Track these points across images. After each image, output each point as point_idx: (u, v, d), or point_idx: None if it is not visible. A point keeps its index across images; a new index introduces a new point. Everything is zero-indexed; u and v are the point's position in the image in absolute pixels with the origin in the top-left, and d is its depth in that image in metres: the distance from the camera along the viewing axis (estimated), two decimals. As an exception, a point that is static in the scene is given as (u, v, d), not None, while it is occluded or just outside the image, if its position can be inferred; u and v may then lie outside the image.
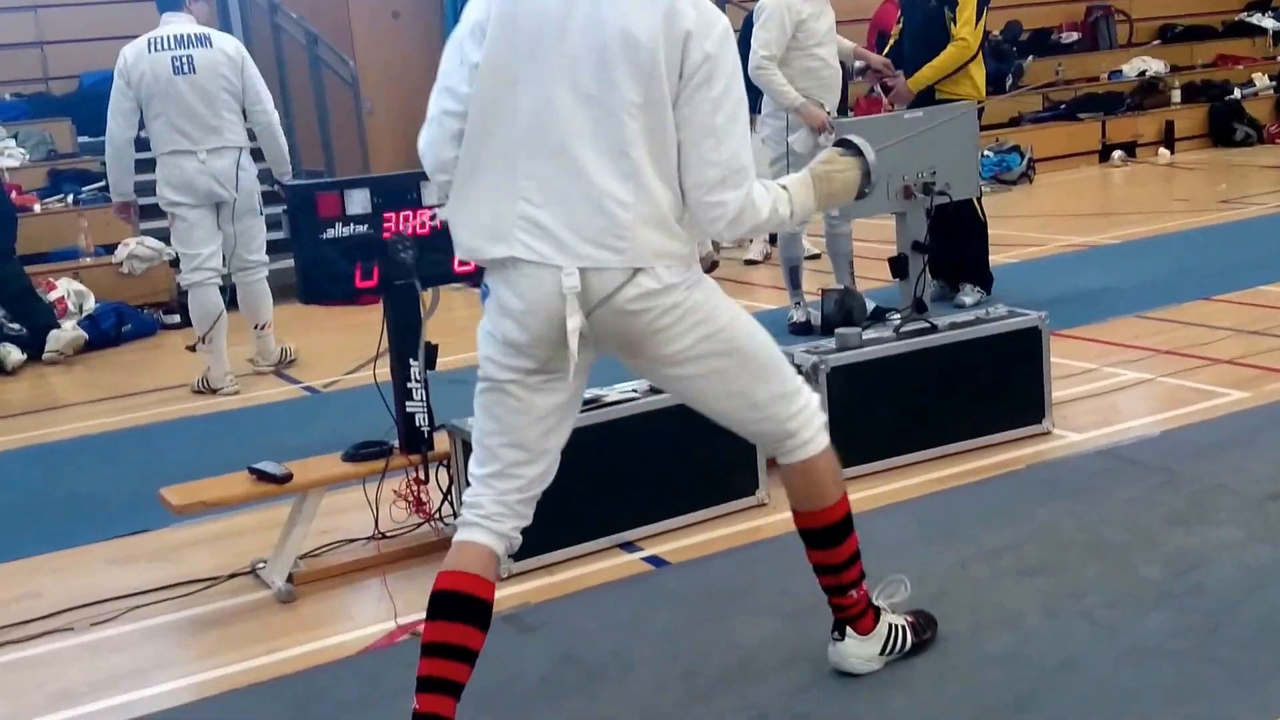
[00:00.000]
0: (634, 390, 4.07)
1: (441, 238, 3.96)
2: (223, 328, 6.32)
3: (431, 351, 4.03)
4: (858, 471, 4.38)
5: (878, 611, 3.02)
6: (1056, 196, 10.68)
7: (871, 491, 4.26)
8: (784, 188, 2.70)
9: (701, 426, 4.07)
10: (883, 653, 3.01)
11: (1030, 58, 13.48)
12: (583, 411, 3.88)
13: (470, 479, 2.73)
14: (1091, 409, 4.99)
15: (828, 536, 2.89)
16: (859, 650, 2.99)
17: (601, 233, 2.49)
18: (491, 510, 2.68)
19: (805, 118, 6.09)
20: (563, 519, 3.85)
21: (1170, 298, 6.63)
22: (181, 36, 6.11)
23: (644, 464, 4.01)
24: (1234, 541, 3.64)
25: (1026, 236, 8.52)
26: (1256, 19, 14.71)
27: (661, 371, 2.71)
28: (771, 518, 4.14)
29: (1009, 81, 13.15)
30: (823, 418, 2.87)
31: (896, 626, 3.05)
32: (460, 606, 2.60)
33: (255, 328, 6.66)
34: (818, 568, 2.94)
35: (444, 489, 4.07)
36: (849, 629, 2.98)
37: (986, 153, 11.46)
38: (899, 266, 5.38)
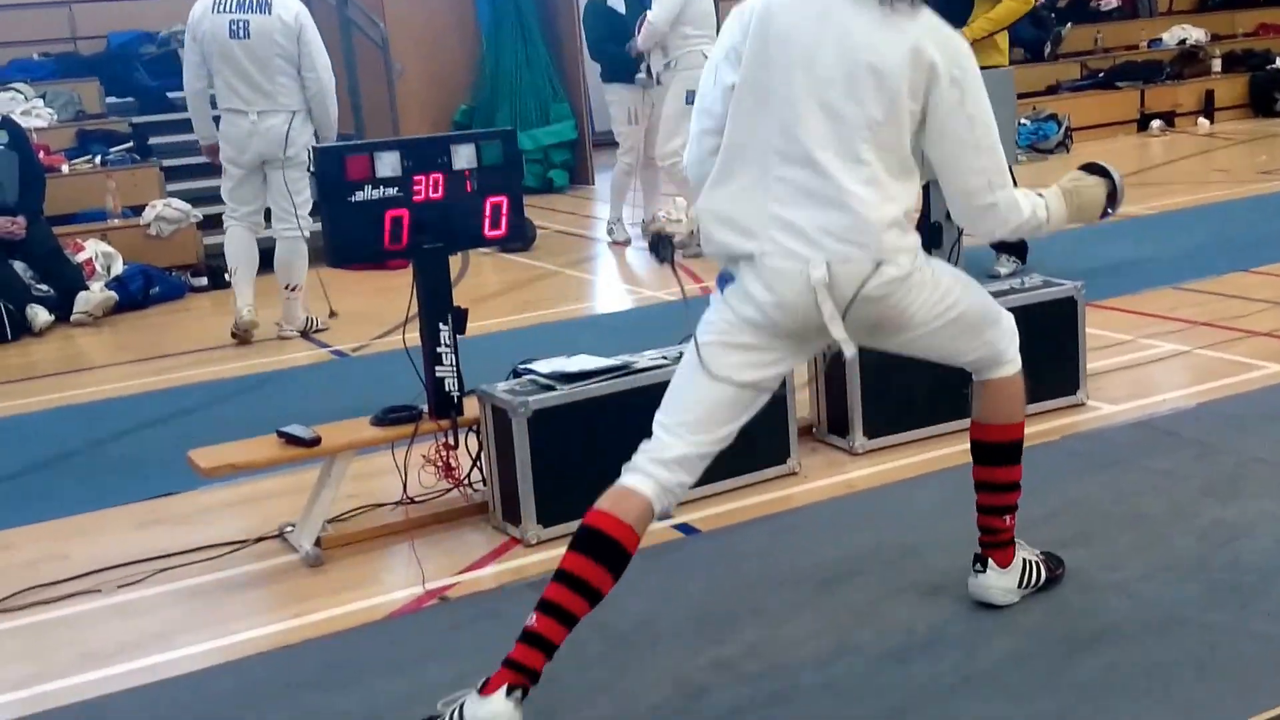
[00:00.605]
0: (664, 357, 4.06)
1: (471, 200, 4.00)
2: (251, 264, 6.58)
3: (461, 316, 4.04)
4: (891, 440, 4.39)
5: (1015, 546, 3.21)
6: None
7: (908, 460, 4.26)
8: (1040, 195, 2.99)
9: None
10: (1020, 585, 3.19)
11: (1069, 24, 13.33)
12: (612, 377, 3.92)
13: (656, 426, 2.86)
14: (1127, 380, 4.96)
15: (1006, 453, 3.14)
16: (1000, 582, 3.17)
17: (849, 230, 2.72)
18: (674, 455, 2.80)
19: None
20: (593, 486, 3.87)
21: (1208, 269, 6.57)
22: (244, 0, 6.28)
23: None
24: (1271, 515, 3.62)
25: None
26: (1301, -14, 14.50)
27: (901, 338, 2.94)
28: (803, 486, 4.14)
29: (1047, 49, 13.03)
30: (1017, 338, 3.13)
31: (1031, 562, 3.23)
32: (607, 550, 2.74)
33: (285, 288, 6.72)
34: (984, 484, 3.17)
35: (473, 454, 4.08)
36: (991, 561, 3.17)
37: (1024, 121, 11.35)
38: (933, 235, 5.35)
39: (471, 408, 4.02)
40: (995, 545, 3.18)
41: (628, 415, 3.86)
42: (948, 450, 4.33)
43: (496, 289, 7.64)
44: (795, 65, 2.74)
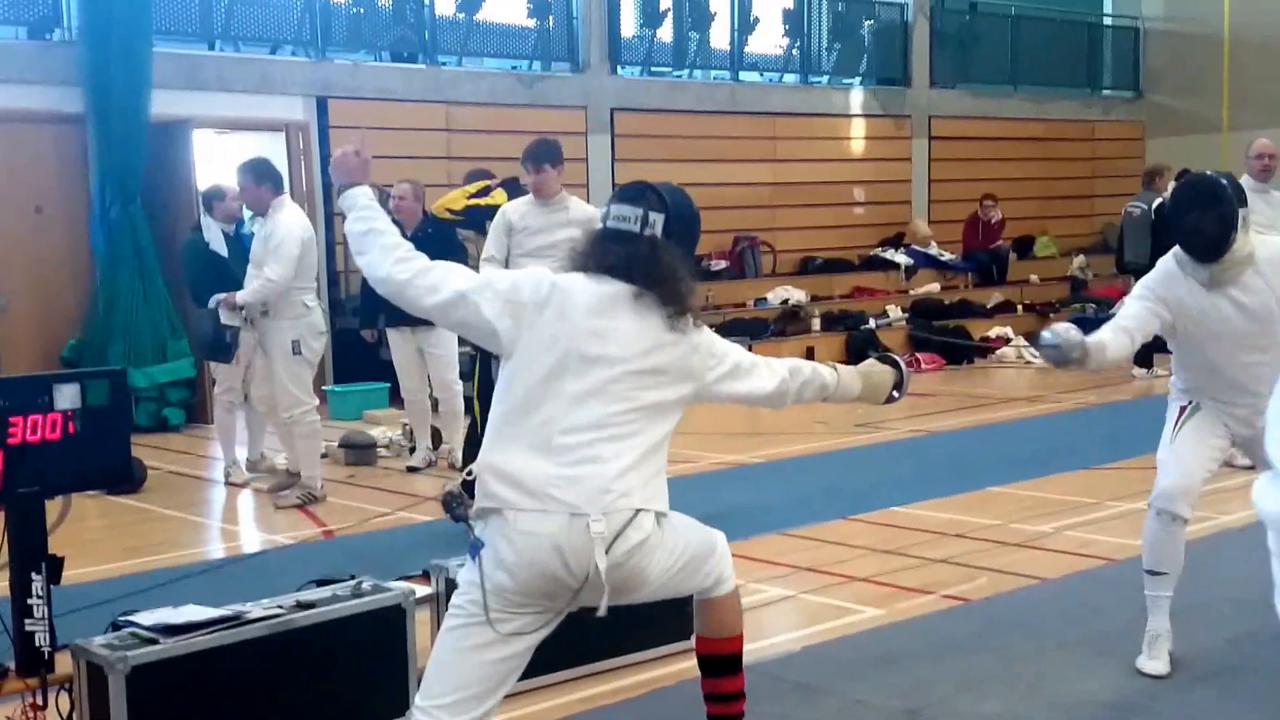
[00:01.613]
0: (279, 606, 3.96)
1: (74, 443, 3.84)
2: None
3: (56, 564, 3.82)
4: (522, 686, 4.37)
5: None
6: (709, 415, 11.16)
7: (526, 710, 4.25)
8: (834, 367, 3.65)
9: (352, 643, 4.00)
10: None
11: (685, 282, 14.27)
12: (222, 629, 3.77)
13: (417, 710, 3.09)
14: (740, 624, 5.19)
15: (730, 664, 3.48)
16: None
17: (601, 493, 3.10)
18: None
19: None
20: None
21: (813, 516, 7.01)
22: None
23: (287, 682, 3.88)
24: (870, 754, 3.85)
25: (682, 454, 8.91)
26: (889, 254, 16.19)
27: (637, 596, 3.27)
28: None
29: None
30: (730, 558, 3.51)
31: None
32: None
33: None
34: (713, 696, 3.49)
35: (64, 716, 3.80)
36: None
37: (644, 371, 11.95)
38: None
39: (64, 664, 3.76)
40: None
41: (239, 670, 3.76)
42: (569, 697, 4.36)
43: (99, 534, 7.21)
44: (585, 346, 3.13)
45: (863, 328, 14.55)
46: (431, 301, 3.16)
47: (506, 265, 6.61)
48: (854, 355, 14.29)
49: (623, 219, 3.31)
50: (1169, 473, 4.47)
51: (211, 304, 7.67)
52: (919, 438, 9.80)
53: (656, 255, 3.26)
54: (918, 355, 13.98)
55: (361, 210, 3.23)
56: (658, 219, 3.29)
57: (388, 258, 3.16)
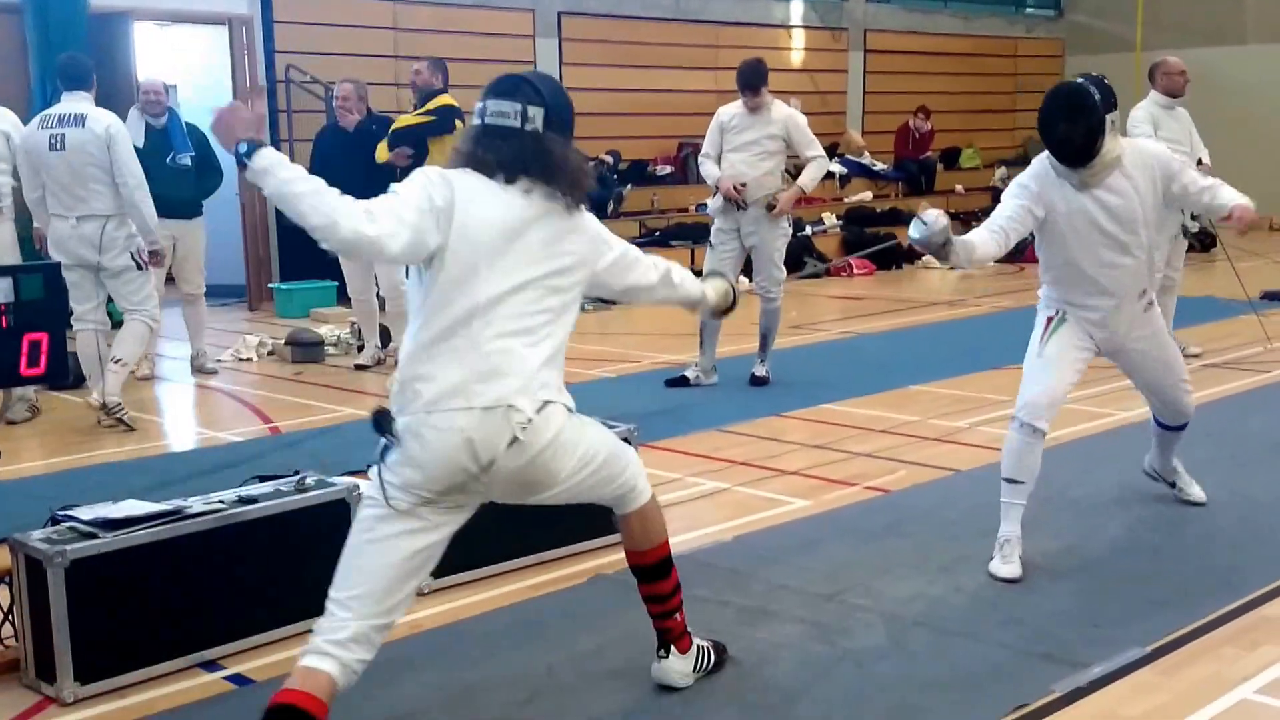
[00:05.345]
0: (220, 501, 3.84)
1: (6, 337, 3.67)
2: (96, 367, 6.85)
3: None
4: (450, 581, 4.31)
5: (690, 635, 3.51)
6: (651, 317, 11.13)
7: (467, 600, 4.21)
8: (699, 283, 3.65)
9: (295, 539, 3.88)
10: (695, 670, 3.49)
11: (630, 186, 14.13)
12: (162, 523, 3.65)
13: (329, 602, 2.96)
14: (677, 516, 5.13)
15: (659, 569, 3.41)
16: (680, 666, 3.47)
17: (507, 386, 2.98)
18: (351, 634, 2.91)
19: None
20: (140, 639, 3.57)
21: (748, 413, 7.00)
22: (62, 117, 6.73)
23: (229, 578, 3.77)
24: (795, 637, 3.84)
25: (625, 354, 8.83)
26: (825, 164, 16.10)
27: (546, 496, 3.18)
28: (363, 629, 3.99)
29: (610, 207, 13.73)
30: (644, 470, 3.42)
31: (704, 648, 3.55)
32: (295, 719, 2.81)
33: (113, 360, 6.79)
34: (649, 598, 3.44)
35: (4, 608, 3.67)
36: (673, 647, 3.45)
37: (587, 273, 11.84)
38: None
39: (2, 558, 3.63)
40: (676, 636, 3.46)
41: (179, 564, 3.64)
42: (509, 587, 4.33)
43: (39, 429, 7.01)
44: (494, 243, 2.99)
45: (799, 235, 14.45)
46: (397, 247, 2.92)
47: (719, 162, 7.67)
48: (790, 262, 14.21)
49: (501, 114, 3.09)
50: (1034, 385, 4.46)
51: None
52: (849, 339, 9.82)
53: (545, 148, 3.09)
54: (850, 260, 13.93)
55: (289, 169, 2.84)
56: (537, 113, 3.09)
57: (349, 216, 2.85)
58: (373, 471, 3.01)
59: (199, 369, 8.51)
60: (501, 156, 3.06)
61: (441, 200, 2.97)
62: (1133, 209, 4.38)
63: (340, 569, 2.98)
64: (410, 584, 3.01)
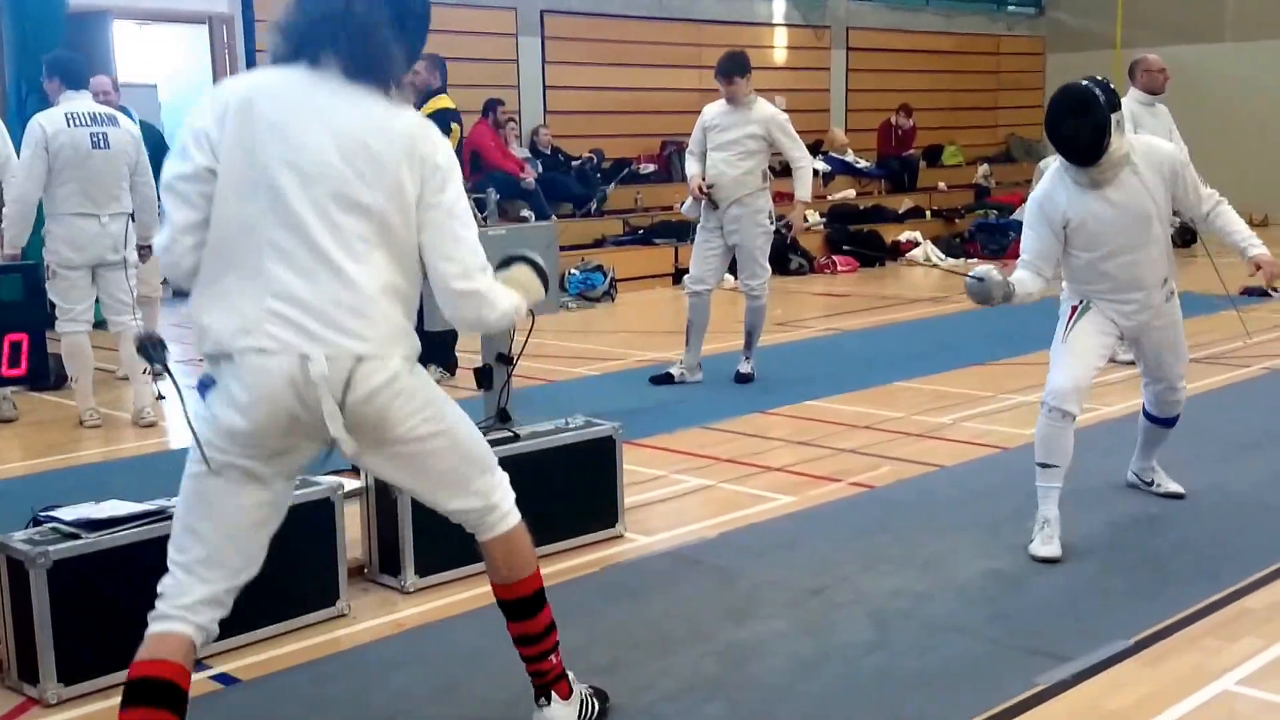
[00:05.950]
0: (205, 500, 3.81)
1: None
2: (89, 370, 6.85)
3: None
4: (432, 580, 4.29)
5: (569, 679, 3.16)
6: (636, 314, 11.14)
7: (449, 600, 4.18)
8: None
9: (277, 538, 3.83)
10: (579, 718, 3.15)
11: (613, 184, 14.11)
12: (145, 523, 3.62)
13: (170, 565, 2.74)
14: (661, 513, 5.15)
15: (529, 606, 3.04)
16: (564, 714, 3.11)
17: (343, 323, 2.64)
18: (199, 597, 2.71)
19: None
20: (123, 640, 3.53)
21: (732, 410, 6.98)
22: (96, 115, 6.68)
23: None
24: (780, 633, 3.83)
25: (609, 351, 8.81)
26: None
27: (389, 451, 2.79)
28: (351, 628, 3.97)
29: (594, 205, 13.70)
30: (513, 493, 3.03)
31: (587, 694, 3.21)
32: (163, 693, 2.60)
33: (144, 371, 6.77)
34: (520, 639, 3.07)
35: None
36: (553, 693, 3.10)
37: (573, 271, 11.83)
38: (484, 377, 5.37)
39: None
40: (551, 681, 3.13)
41: (162, 565, 3.58)
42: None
43: (19, 430, 6.95)
44: (285, 157, 2.62)
45: (784, 231, 14.43)
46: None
47: (704, 159, 7.66)
48: (774, 259, 14.20)
49: None
50: (1061, 371, 4.49)
51: None
52: (833, 336, 9.81)
53: (351, 10, 2.67)
54: (834, 258, 13.94)
55: None
56: None
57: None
58: (198, 412, 2.72)
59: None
60: (309, 23, 2.73)
61: (213, 121, 2.68)
62: (1145, 205, 4.42)
63: (174, 530, 2.77)
64: (255, 541, 2.78)
